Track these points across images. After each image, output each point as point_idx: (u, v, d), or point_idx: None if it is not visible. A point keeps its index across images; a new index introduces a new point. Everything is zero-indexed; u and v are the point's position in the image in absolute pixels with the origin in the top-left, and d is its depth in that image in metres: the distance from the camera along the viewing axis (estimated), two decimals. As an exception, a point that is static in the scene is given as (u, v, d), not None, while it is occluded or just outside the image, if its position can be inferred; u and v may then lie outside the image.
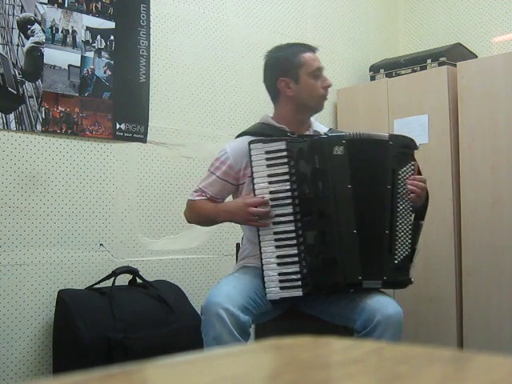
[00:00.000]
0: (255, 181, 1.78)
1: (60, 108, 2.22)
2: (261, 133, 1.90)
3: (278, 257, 1.75)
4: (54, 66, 2.21)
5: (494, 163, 2.61)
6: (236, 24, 2.85)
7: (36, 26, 2.17)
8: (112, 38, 2.38)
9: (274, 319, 1.86)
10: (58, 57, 2.22)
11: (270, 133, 1.89)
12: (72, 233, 2.24)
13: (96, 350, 1.92)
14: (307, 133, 1.95)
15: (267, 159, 1.77)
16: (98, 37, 2.34)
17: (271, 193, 1.76)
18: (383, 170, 1.81)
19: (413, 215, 1.83)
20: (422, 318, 2.74)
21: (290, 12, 3.09)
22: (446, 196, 2.70)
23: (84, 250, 2.27)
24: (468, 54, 3.11)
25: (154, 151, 2.51)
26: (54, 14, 2.21)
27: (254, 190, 1.78)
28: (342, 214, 1.76)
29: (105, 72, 2.35)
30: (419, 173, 1.87)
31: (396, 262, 1.78)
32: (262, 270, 1.75)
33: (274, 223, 1.76)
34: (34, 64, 2.16)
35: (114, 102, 2.37)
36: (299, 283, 1.73)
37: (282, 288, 1.73)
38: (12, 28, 2.11)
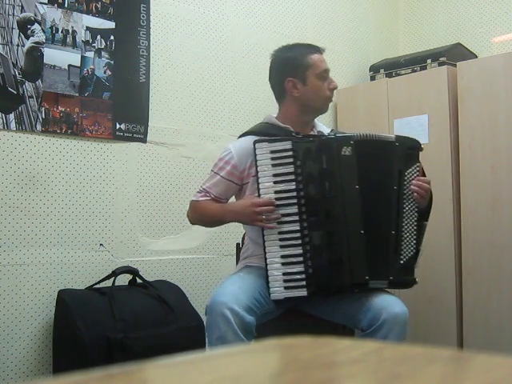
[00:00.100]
0: (260, 180, 1.77)
1: (60, 108, 2.22)
2: (265, 132, 1.90)
3: (282, 256, 1.75)
4: (54, 66, 2.21)
5: (494, 163, 2.61)
6: (236, 24, 2.85)
7: (36, 26, 2.17)
8: (112, 38, 2.38)
9: (274, 319, 1.86)
10: (57, 57, 2.22)
11: (274, 133, 1.88)
12: (72, 233, 2.24)
13: (96, 349, 1.92)
14: (311, 133, 1.96)
15: (272, 159, 1.77)
16: (98, 37, 2.34)
17: (276, 192, 1.76)
18: (390, 171, 1.82)
19: (417, 216, 1.84)
20: (422, 318, 2.74)
21: (290, 12, 3.09)
22: (446, 196, 2.70)
23: (84, 249, 2.27)
24: (468, 54, 3.11)
25: (154, 151, 2.51)
26: (54, 14, 2.21)
27: (258, 189, 1.78)
28: (350, 214, 1.77)
29: (105, 72, 2.35)
30: (423, 174, 1.89)
31: (402, 262, 1.79)
32: (266, 270, 1.75)
33: (279, 223, 1.76)
34: (34, 64, 2.16)
35: (114, 102, 2.37)
36: (304, 283, 1.73)
37: (286, 288, 1.73)
38: (12, 28, 2.11)
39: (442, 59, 2.96)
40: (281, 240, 1.76)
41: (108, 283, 2.17)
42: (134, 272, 2.26)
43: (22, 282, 2.10)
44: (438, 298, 2.73)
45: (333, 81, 1.94)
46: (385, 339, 1.63)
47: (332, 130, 2.07)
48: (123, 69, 2.40)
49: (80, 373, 0.48)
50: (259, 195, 1.78)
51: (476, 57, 3.12)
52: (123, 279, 2.25)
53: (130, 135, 2.43)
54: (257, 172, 1.78)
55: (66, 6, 2.25)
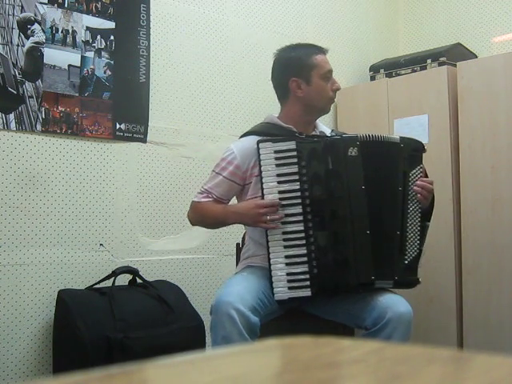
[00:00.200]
0: (264, 180, 1.77)
1: (60, 108, 2.22)
2: (267, 133, 1.89)
3: (286, 257, 1.75)
4: (54, 66, 2.21)
5: (494, 163, 2.61)
6: (236, 24, 2.85)
7: (36, 26, 2.17)
8: (112, 37, 2.38)
9: (275, 319, 1.86)
10: (58, 57, 2.22)
11: (276, 133, 1.88)
12: (72, 233, 2.24)
13: (96, 349, 1.92)
14: (313, 133, 1.96)
15: (276, 159, 1.77)
16: (98, 37, 2.34)
17: (280, 192, 1.76)
18: (395, 172, 1.83)
19: (420, 217, 1.86)
20: (423, 318, 2.73)
21: (290, 12, 3.09)
22: (446, 196, 2.70)
23: (84, 249, 2.27)
24: (468, 54, 3.11)
25: (154, 151, 2.51)
26: (54, 14, 2.21)
27: (262, 189, 1.77)
28: (356, 214, 1.77)
29: (105, 72, 2.35)
30: (426, 175, 1.91)
31: (406, 262, 1.81)
32: (270, 270, 1.75)
33: (283, 223, 1.76)
34: (34, 64, 2.16)
35: (114, 102, 2.37)
36: (307, 283, 1.73)
37: (290, 288, 1.73)
38: (12, 28, 2.11)
39: (441, 59, 2.96)
40: (285, 240, 1.76)
41: (108, 283, 2.17)
42: (133, 272, 2.26)
43: (22, 282, 2.10)
44: (438, 297, 2.73)
45: (336, 82, 1.94)
46: (389, 338, 1.64)
47: (332, 131, 2.07)
48: (123, 69, 2.40)
49: (80, 373, 0.48)
50: (263, 195, 1.77)
51: (476, 57, 3.12)
52: (123, 279, 2.25)
53: (130, 135, 2.43)
54: (260, 172, 1.77)
55: (65, 6, 2.25)
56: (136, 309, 2.09)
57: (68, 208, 2.24)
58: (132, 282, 2.26)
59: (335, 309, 1.85)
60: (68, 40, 2.25)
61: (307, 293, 1.74)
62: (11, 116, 2.09)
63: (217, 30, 2.77)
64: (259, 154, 1.77)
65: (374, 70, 3.30)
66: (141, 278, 2.26)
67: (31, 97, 2.14)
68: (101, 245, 2.32)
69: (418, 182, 1.83)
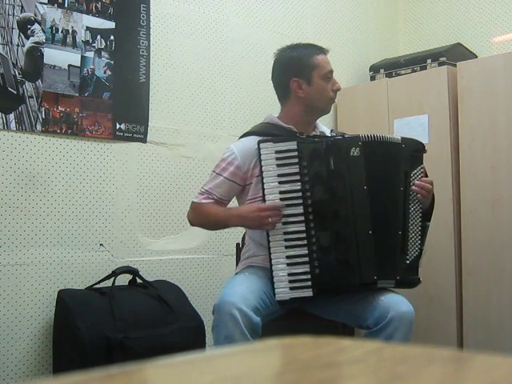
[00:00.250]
0: (265, 180, 1.76)
1: (60, 108, 2.22)
2: (267, 133, 1.89)
3: (287, 257, 1.75)
4: (54, 66, 2.21)
5: (494, 163, 2.61)
6: (236, 24, 2.85)
7: (36, 26, 2.17)
8: (112, 37, 2.38)
9: (275, 319, 1.86)
10: (58, 57, 2.22)
11: (277, 133, 1.88)
12: (72, 233, 2.24)
13: (96, 349, 1.92)
14: (313, 133, 1.96)
15: (277, 159, 1.76)
16: (98, 37, 2.34)
17: (281, 193, 1.76)
18: (397, 172, 1.84)
19: (421, 217, 1.86)
20: (423, 318, 2.73)
21: (290, 12, 3.09)
22: (446, 196, 2.70)
23: (84, 250, 2.27)
24: (468, 54, 3.11)
25: (154, 151, 2.51)
26: (54, 14, 2.21)
27: (263, 189, 1.77)
28: (359, 214, 1.77)
29: (105, 72, 2.35)
30: (426, 175, 1.91)
31: (408, 262, 1.81)
32: (271, 271, 1.74)
33: (284, 223, 1.75)
34: (34, 64, 2.16)
35: (114, 102, 2.37)
36: (309, 283, 1.73)
37: (291, 288, 1.73)
38: (12, 28, 2.11)
39: (442, 59, 2.96)
40: (286, 240, 1.75)
41: (108, 283, 2.17)
42: (133, 272, 2.26)
43: (22, 282, 2.10)
44: (438, 297, 2.73)
45: (336, 82, 1.94)
46: (391, 338, 1.64)
47: (332, 131, 2.07)
48: (123, 69, 2.40)
49: (80, 373, 0.48)
50: (264, 195, 1.77)
51: (476, 57, 3.12)
52: (123, 279, 2.25)
53: (130, 135, 2.43)
54: (261, 172, 1.77)
55: (66, 6, 2.25)
56: (136, 309, 2.09)
57: (68, 208, 2.24)
58: (132, 282, 2.26)
59: (336, 309, 1.85)
60: (68, 40, 2.25)
61: (309, 293, 1.73)
62: (11, 116, 2.10)
63: (217, 30, 2.77)
64: (260, 154, 1.77)
65: (374, 70, 3.30)
66: (141, 278, 2.26)
67: (31, 97, 2.14)
68: (101, 245, 2.32)
69: (416, 182, 1.84)
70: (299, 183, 1.76)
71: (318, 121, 2.02)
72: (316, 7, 3.23)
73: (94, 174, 2.32)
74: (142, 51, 2.47)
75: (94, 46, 2.32)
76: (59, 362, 2.06)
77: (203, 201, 1.90)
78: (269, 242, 1.76)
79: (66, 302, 2.04)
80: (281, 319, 1.88)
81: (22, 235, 2.11)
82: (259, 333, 1.64)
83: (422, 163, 1.89)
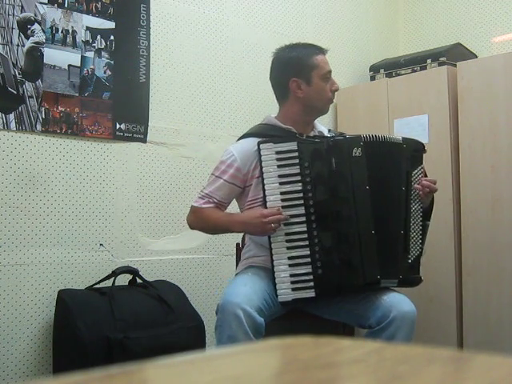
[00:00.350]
0: (265, 181, 1.76)
1: (60, 108, 2.22)
2: (266, 134, 1.88)
3: (289, 258, 1.74)
4: (54, 66, 2.21)
5: (494, 163, 2.61)
6: (236, 24, 2.85)
7: (36, 26, 2.17)
8: (112, 37, 2.38)
9: (275, 319, 1.86)
10: (58, 57, 2.22)
11: (276, 134, 1.87)
12: (72, 233, 2.24)
13: (96, 349, 1.92)
14: (312, 134, 1.95)
15: (278, 159, 1.76)
16: (98, 37, 2.34)
17: (282, 193, 1.76)
18: (398, 172, 1.85)
19: (422, 216, 1.87)
20: (423, 318, 2.73)
21: (290, 12, 3.09)
22: (446, 196, 2.70)
23: (84, 250, 2.27)
24: (468, 54, 3.11)
25: (154, 151, 2.51)
26: (54, 14, 2.21)
27: (264, 190, 1.76)
28: (361, 214, 1.77)
29: (105, 72, 2.35)
30: (425, 175, 1.92)
31: (409, 261, 1.82)
32: (273, 272, 1.74)
33: (286, 224, 1.75)
34: (34, 64, 2.16)
35: (114, 102, 2.37)
36: (311, 284, 1.73)
37: (294, 289, 1.73)
38: (12, 28, 2.11)
39: (442, 59, 2.96)
40: (288, 241, 1.75)
41: (108, 283, 2.17)
42: (133, 272, 2.26)
43: (22, 282, 2.10)
44: (438, 297, 2.73)
45: (335, 82, 1.94)
46: (393, 337, 1.64)
47: (330, 130, 2.06)
48: (123, 69, 2.40)
49: (80, 373, 0.48)
50: (265, 196, 1.76)
51: (476, 57, 3.12)
52: (123, 279, 2.25)
53: (130, 135, 2.43)
54: (262, 173, 1.76)
55: (66, 6, 2.25)
56: (136, 309, 2.09)
57: (68, 208, 2.24)
58: (132, 282, 2.26)
59: (338, 308, 1.85)
60: (68, 40, 2.25)
61: (311, 294, 1.73)
62: (11, 116, 2.09)
63: (217, 30, 2.77)
64: (260, 155, 1.76)
65: (374, 70, 3.30)
66: (141, 278, 2.26)
67: (31, 97, 2.14)
68: (101, 245, 2.32)
69: (423, 182, 1.85)
70: (300, 184, 1.75)
71: (315, 121, 2.02)
72: (316, 7, 3.23)
73: (94, 174, 2.32)
74: (142, 51, 2.47)
75: (94, 46, 2.32)
76: (59, 361, 2.05)
77: (204, 205, 1.89)
78: (270, 243, 1.76)
79: (66, 301, 2.04)
80: (281, 319, 1.88)
81: (21, 235, 2.11)
82: (262, 333, 1.64)
83: (422, 163, 1.90)
